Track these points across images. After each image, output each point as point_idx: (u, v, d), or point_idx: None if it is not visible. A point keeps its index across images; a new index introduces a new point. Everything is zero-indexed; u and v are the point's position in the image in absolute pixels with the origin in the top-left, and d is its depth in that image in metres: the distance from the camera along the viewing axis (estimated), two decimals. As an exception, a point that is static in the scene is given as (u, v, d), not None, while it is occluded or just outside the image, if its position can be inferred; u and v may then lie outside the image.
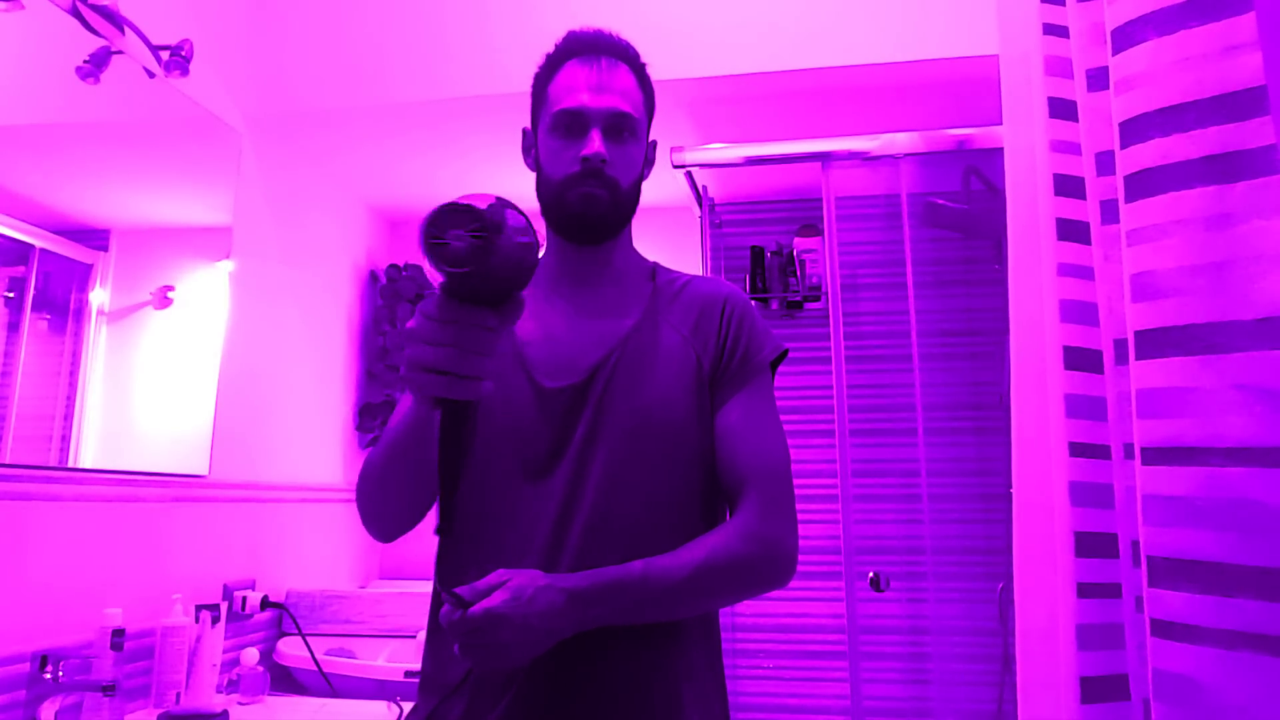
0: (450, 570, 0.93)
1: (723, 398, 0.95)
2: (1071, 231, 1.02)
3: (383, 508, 0.92)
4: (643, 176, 1.00)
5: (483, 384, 0.68)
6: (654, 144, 1.03)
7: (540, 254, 0.78)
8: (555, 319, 0.97)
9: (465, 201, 0.63)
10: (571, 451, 0.90)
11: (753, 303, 1.10)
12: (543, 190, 0.97)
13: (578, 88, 0.94)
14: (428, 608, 0.95)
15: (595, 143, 0.92)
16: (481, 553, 0.91)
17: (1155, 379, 0.77)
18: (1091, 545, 0.95)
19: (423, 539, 0.96)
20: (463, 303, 0.67)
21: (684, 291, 1.00)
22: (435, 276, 0.65)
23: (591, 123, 0.93)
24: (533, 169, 1.00)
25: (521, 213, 0.67)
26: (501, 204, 0.65)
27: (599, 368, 0.93)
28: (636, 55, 0.99)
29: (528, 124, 1.02)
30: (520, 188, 0.99)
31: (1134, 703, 0.90)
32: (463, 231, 0.63)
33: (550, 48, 0.99)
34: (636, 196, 0.99)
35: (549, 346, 0.95)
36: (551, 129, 0.95)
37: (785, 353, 1.00)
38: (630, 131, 0.95)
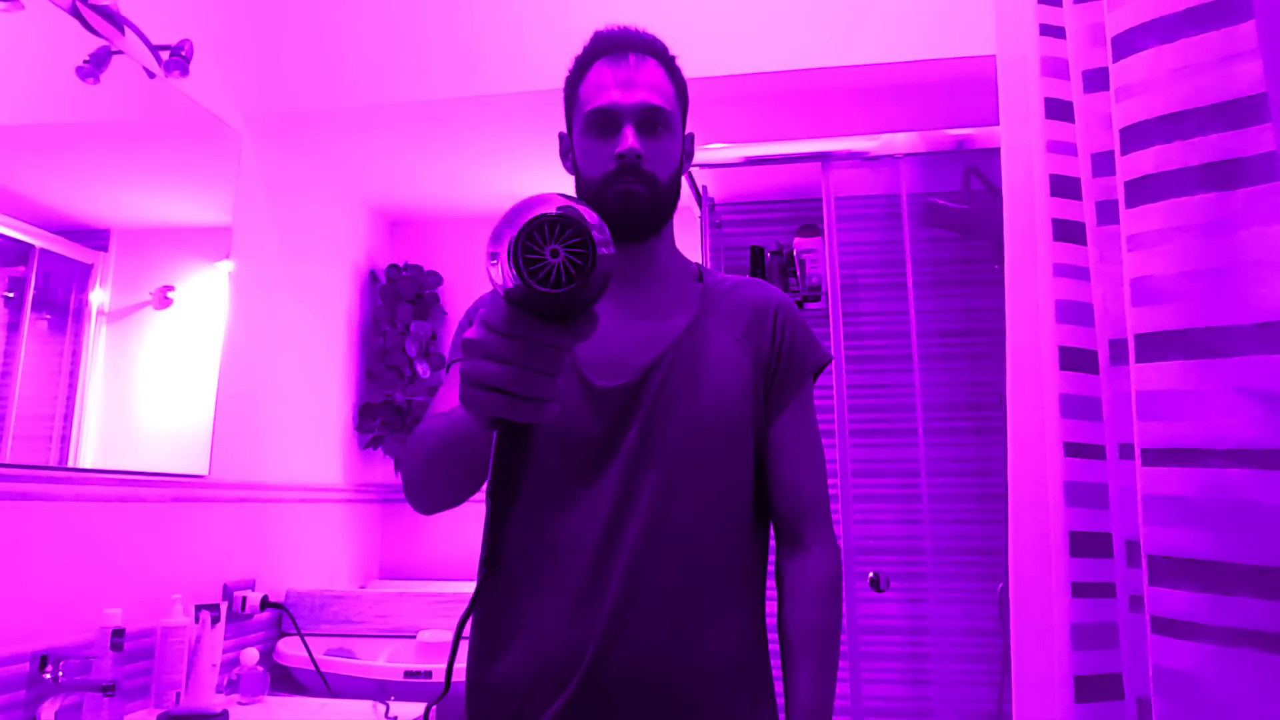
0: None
1: (774, 407, 0.95)
2: (1067, 232, 1.02)
3: (426, 489, 0.87)
4: (681, 170, 0.99)
5: (547, 407, 0.58)
6: (691, 136, 1.02)
7: None
8: (602, 318, 0.97)
9: (563, 211, 0.54)
10: (624, 451, 0.89)
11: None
12: (582, 191, 0.97)
13: (607, 86, 0.93)
14: (429, 608, 0.95)
15: (629, 139, 0.91)
16: (529, 548, 0.90)
17: (1156, 382, 0.77)
18: (1086, 545, 0.95)
19: (423, 540, 0.96)
20: (533, 317, 0.56)
21: (733, 293, 1.00)
22: (506, 285, 0.55)
23: (624, 119, 0.92)
24: (571, 172, 0.99)
25: (596, 213, 0.57)
26: (577, 206, 0.55)
27: (653, 368, 0.92)
28: (665, 49, 0.98)
29: (563, 128, 1.02)
30: (521, 187, 0.99)
31: (1127, 702, 0.91)
32: (559, 246, 0.53)
33: (579, 50, 0.98)
34: (676, 191, 0.98)
35: (598, 345, 0.92)
36: (585, 129, 0.94)
37: (829, 360, 1.00)
38: (664, 125, 0.94)
